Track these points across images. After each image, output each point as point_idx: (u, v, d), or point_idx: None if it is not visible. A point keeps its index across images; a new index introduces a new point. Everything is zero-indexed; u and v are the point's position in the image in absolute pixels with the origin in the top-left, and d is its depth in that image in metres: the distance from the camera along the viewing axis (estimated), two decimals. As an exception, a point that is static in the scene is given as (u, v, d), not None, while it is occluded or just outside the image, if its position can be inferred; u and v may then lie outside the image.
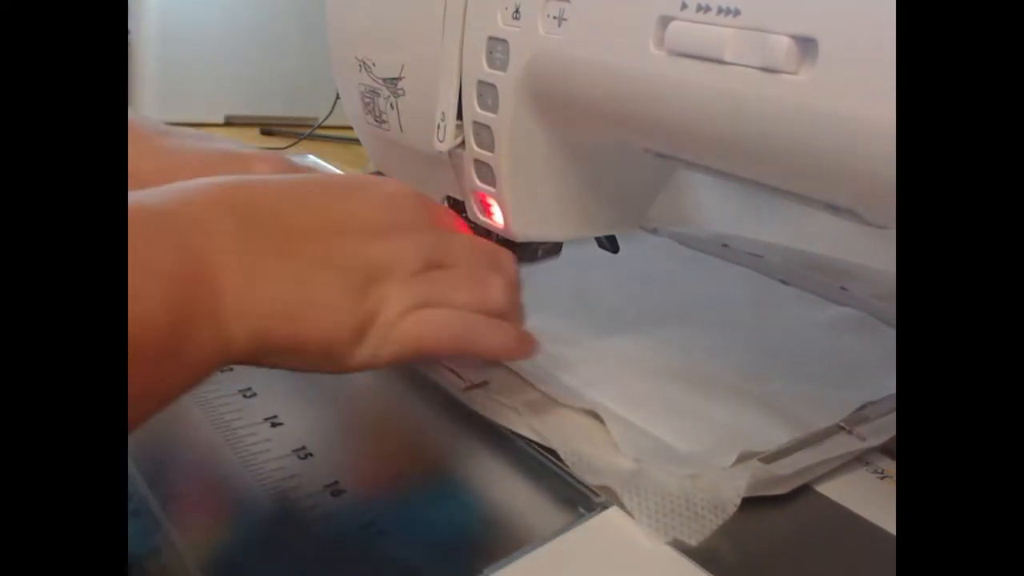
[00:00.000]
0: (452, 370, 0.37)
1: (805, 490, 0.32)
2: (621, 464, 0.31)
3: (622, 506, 0.29)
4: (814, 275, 0.55)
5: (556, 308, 0.45)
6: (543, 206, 0.37)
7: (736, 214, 0.69)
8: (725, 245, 0.61)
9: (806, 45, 0.23)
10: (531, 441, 0.33)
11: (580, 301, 0.47)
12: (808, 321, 0.48)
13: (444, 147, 0.37)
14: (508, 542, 0.28)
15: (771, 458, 0.32)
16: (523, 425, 0.33)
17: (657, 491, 0.29)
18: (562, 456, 0.31)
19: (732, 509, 0.29)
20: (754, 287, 0.53)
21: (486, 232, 0.40)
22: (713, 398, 0.37)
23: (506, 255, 0.35)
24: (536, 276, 0.42)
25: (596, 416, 0.34)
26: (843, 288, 0.52)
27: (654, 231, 0.64)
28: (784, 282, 0.54)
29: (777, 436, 0.34)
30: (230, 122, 1.03)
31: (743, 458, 0.31)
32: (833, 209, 0.27)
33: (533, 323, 0.36)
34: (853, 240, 0.60)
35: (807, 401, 0.37)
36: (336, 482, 0.30)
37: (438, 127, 0.37)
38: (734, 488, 0.29)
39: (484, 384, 0.36)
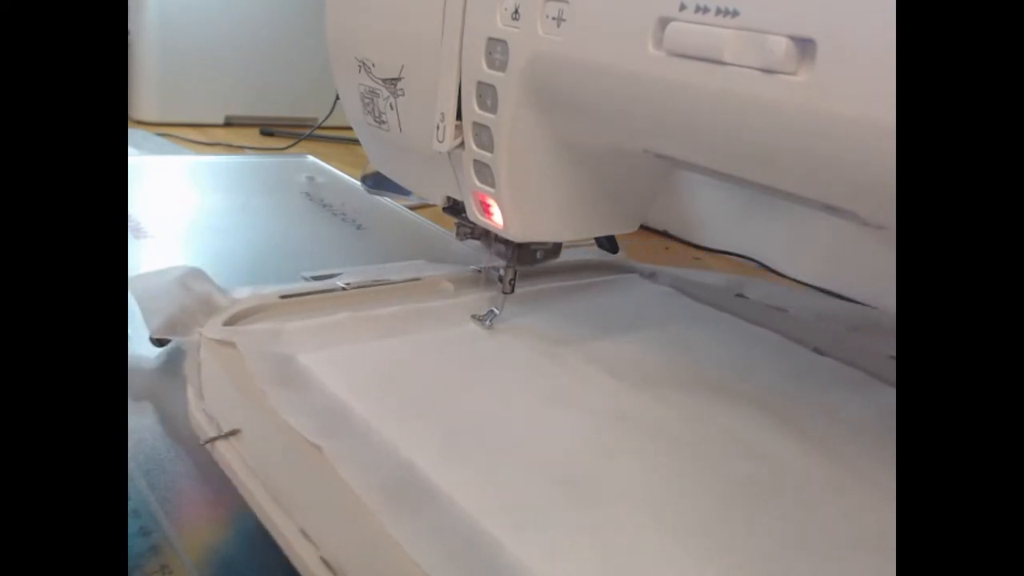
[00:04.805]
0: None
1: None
2: None
3: None
4: (854, 339, 0.44)
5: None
6: (542, 207, 0.37)
7: (735, 214, 0.69)
8: (740, 295, 0.50)
9: (804, 46, 0.23)
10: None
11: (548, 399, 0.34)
12: (859, 414, 0.36)
13: (444, 148, 0.37)
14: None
15: None
16: None
17: None
18: None
19: None
20: (784, 362, 0.41)
21: (485, 232, 0.40)
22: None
23: None
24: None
25: None
26: (892, 358, 0.40)
27: (652, 276, 0.52)
28: (819, 351, 0.43)
29: None
30: (230, 122, 1.03)
31: None
32: (832, 209, 0.27)
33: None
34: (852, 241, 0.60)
35: None
36: (336, 482, 0.30)
37: (438, 127, 0.37)
38: None
39: None
